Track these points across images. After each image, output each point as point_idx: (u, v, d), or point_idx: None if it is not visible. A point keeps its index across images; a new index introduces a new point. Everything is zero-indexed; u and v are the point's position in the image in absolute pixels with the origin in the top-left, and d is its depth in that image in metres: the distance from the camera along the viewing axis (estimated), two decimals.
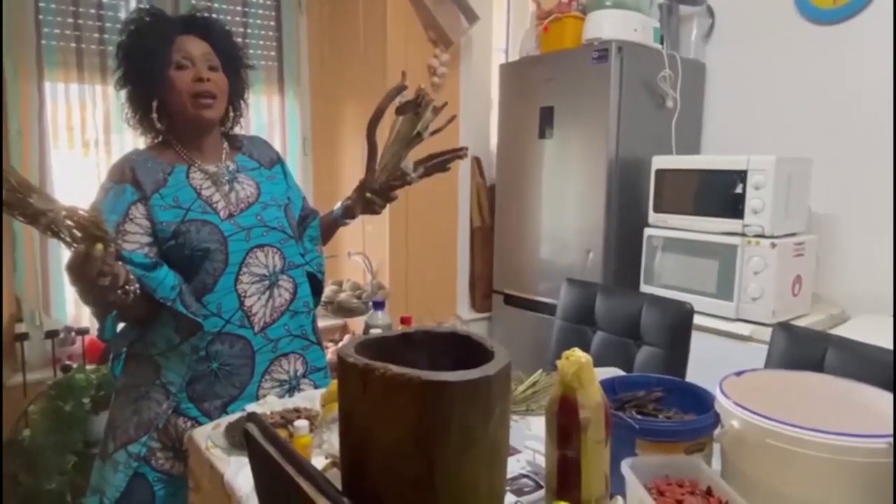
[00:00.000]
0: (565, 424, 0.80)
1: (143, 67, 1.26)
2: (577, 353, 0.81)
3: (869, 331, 1.68)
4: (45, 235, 0.94)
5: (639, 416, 1.00)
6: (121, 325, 1.26)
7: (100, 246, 0.97)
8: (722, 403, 0.96)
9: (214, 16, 1.41)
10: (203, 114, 1.29)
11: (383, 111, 1.29)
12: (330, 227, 1.52)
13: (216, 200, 1.30)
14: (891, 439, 0.81)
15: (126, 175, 1.27)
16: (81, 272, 0.99)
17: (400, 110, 1.30)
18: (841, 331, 1.91)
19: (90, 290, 1.04)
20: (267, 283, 1.32)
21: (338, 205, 1.48)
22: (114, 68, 1.31)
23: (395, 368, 0.65)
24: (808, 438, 0.84)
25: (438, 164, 1.39)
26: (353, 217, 1.48)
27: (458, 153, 1.39)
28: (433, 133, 1.34)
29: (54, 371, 2.04)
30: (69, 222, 0.94)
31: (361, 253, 2.62)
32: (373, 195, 1.39)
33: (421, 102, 1.29)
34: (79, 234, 0.95)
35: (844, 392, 1.02)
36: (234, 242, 1.29)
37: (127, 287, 1.10)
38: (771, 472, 0.89)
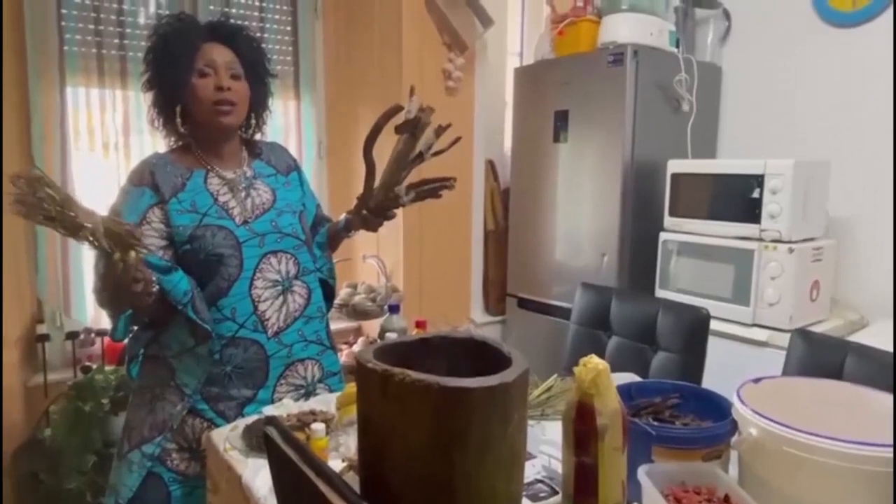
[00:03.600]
0: (582, 431, 0.80)
1: (168, 73, 1.28)
2: (595, 360, 0.81)
3: (888, 337, 1.66)
4: (81, 245, 0.99)
5: (655, 423, 1.00)
6: (135, 328, 1.29)
7: (133, 254, 1.01)
8: (739, 411, 0.95)
9: (244, 23, 1.42)
10: (222, 121, 1.31)
11: (379, 130, 1.26)
12: (334, 238, 1.53)
13: (232, 206, 1.32)
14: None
15: (145, 178, 1.29)
16: (118, 280, 1.03)
17: (399, 129, 1.28)
18: (860, 336, 1.90)
19: (124, 297, 1.07)
20: (280, 288, 1.34)
21: (342, 216, 1.49)
22: (140, 72, 1.33)
23: (414, 374, 0.66)
24: (826, 447, 0.84)
25: (429, 190, 1.37)
26: (355, 230, 1.48)
27: (446, 183, 1.37)
28: (435, 154, 1.31)
29: (74, 372, 2.07)
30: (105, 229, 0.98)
31: (376, 256, 2.64)
32: (368, 213, 1.39)
33: (418, 124, 1.26)
34: (114, 244, 0.99)
35: (863, 400, 1.01)
36: (249, 248, 1.30)
37: (150, 289, 1.13)
38: (789, 480, 0.88)
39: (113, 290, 1.09)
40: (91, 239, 0.97)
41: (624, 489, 0.84)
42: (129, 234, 1.00)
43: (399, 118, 1.28)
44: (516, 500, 0.75)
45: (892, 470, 0.81)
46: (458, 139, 1.32)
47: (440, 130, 1.29)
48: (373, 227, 1.42)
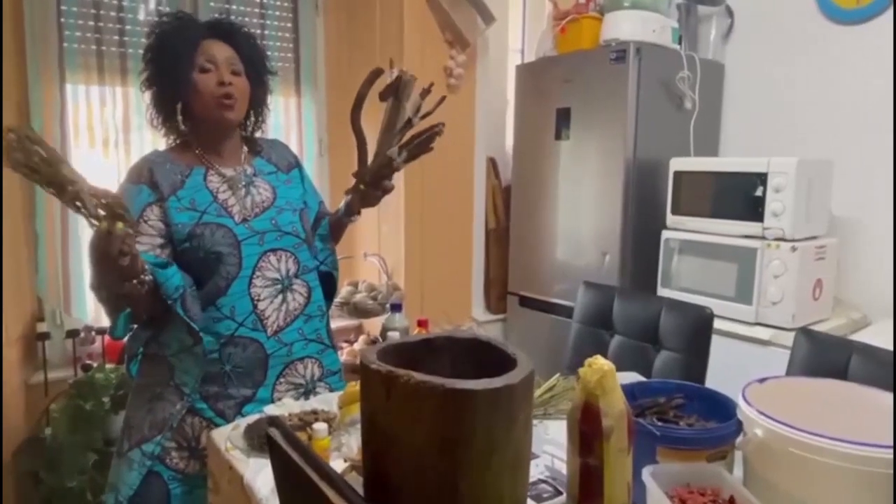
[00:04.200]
0: (588, 432, 0.80)
1: (169, 70, 1.28)
2: (600, 361, 0.81)
3: (891, 335, 1.65)
4: (69, 207, 0.99)
5: (660, 423, 0.99)
6: (134, 326, 1.28)
7: (121, 224, 1.01)
8: (745, 411, 0.95)
9: (241, 19, 1.41)
10: (224, 115, 1.30)
11: (363, 98, 1.25)
12: (337, 227, 1.52)
13: (231, 204, 1.31)
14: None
15: (143, 176, 1.28)
16: (104, 249, 1.02)
17: (381, 96, 1.26)
18: (862, 335, 1.89)
19: (111, 270, 1.06)
20: (280, 287, 1.33)
21: (341, 203, 1.48)
22: (139, 70, 1.33)
23: (419, 376, 0.65)
24: (832, 448, 0.83)
25: (420, 144, 1.33)
26: (357, 213, 1.47)
27: (435, 129, 1.32)
28: (423, 117, 1.29)
29: (75, 370, 2.07)
30: (93, 198, 0.98)
31: (377, 254, 2.63)
32: (367, 187, 1.37)
33: (399, 85, 1.24)
34: (101, 212, 0.99)
35: (869, 400, 1.01)
36: (248, 246, 1.30)
37: (143, 277, 1.13)
38: (795, 482, 0.88)
39: (100, 264, 1.06)
40: (78, 204, 0.97)
41: (629, 491, 0.83)
42: (116, 202, 1.00)
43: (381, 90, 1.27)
44: (521, 500, 0.75)
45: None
46: (443, 98, 1.30)
47: (425, 93, 1.28)
48: (372, 201, 1.41)
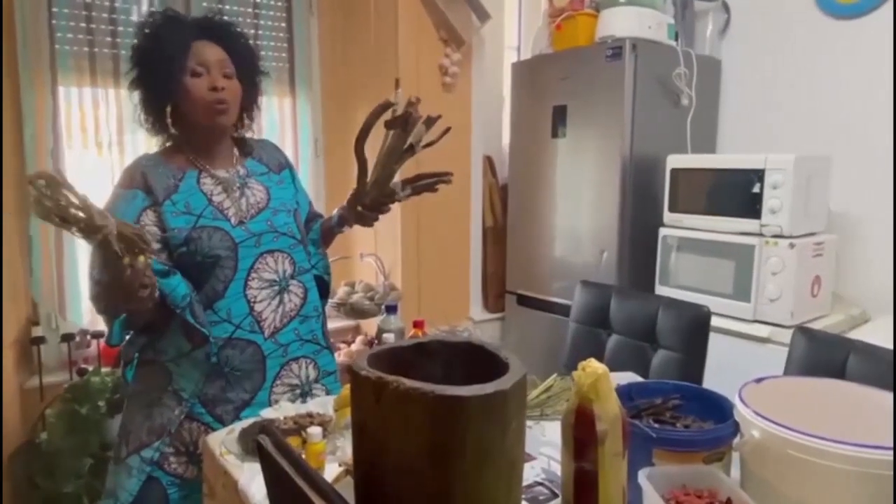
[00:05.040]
0: (582, 437, 0.79)
1: (159, 73, 1.25)
2: (594, 364, 0.80)
3: (890, 332, 1.65)
4: (90, 244, 0.99)
5: (656, 425, 0.98)
6: (130, 332, 1.27)
7: (142, 258, 1.01)
8: (742, 412, 0.94)
9: (231, 19, 1.39)
10: (216, 120, 1.29)
11: (369, 128, 1.25)
12: (327, 234, 1.52)
13: (227, 207, 1.30)
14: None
15: (136, 181, 1.27)
16: (127, 284, 1.02)
17: (388, 125, 1.26)
18: (861, 332, 1.88)
19: (130, 303, 1.06)
20: (277, 288, 1.32)
21: (334, 212, 1.47)
22: (128, 70, 1.30)
23: (409, 382, 0.64)
24: (830, 449, 0.82)
25: (425, 185, 1.36)
26: (349, 226, 1.46)
27: (443, 178, 1.35)
28: (426, 146, 1.30)
29: (70, 374, 2.06)
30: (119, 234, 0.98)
31: (373, 254, 2.62)
32: (364, 209, 1.37)
33: (409, 120, 1.24)
34: (125, 248, 0.99)
35: (868, 400, 1.00)
36: (245, 248, 1.29)
37: (154, 295, 1.12)
38: (793, 484, 0.87)
39: (121, 296, 1.07)
40: (104, 242, 0.96)
41: (624, 494, 0.83)
42: (139, 237, 1.00)
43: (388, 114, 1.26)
44: None
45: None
46: (447, 129, 1.30)
47: (430, 122, 1.27)
48: (368, 222, 1.41)
